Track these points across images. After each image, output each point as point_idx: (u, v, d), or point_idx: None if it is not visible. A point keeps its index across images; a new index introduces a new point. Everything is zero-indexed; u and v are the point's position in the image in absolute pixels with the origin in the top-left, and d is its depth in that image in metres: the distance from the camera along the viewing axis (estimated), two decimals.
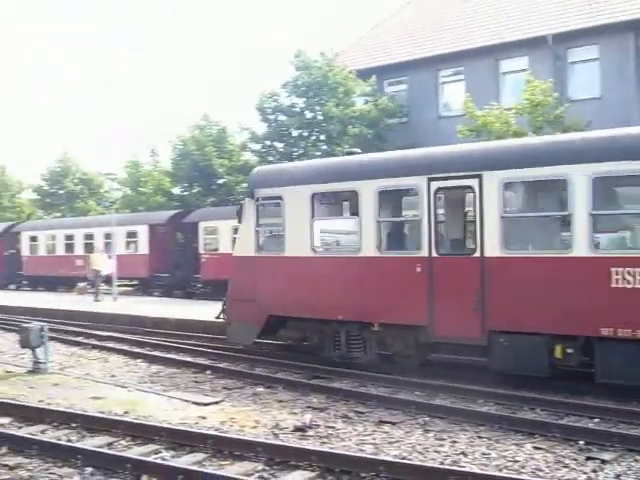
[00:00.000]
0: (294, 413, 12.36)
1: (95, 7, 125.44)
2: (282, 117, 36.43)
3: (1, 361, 18.17)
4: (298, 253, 16.44)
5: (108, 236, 37.45)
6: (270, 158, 36.01)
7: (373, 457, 9.43)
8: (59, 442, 10.37)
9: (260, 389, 14.66)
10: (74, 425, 11.28)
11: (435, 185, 14.52)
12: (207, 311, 21.92)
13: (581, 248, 12.68)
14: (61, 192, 58.07)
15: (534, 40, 31.35)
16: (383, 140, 33.86)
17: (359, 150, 20.41)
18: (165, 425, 11.03)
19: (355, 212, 15.97)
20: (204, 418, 11.89)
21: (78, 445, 10.26)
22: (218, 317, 18.56)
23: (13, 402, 12.74)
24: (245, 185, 27.48)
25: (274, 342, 18.79)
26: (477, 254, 13.89)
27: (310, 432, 11.03)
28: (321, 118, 35.02)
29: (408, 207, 16.07)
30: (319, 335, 16.60)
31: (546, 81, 26.84)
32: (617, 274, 12.23)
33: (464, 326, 13.87)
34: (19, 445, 10.28)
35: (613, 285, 12.27)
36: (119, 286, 34.67)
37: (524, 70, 29.62)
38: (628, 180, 12.96)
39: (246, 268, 17.29)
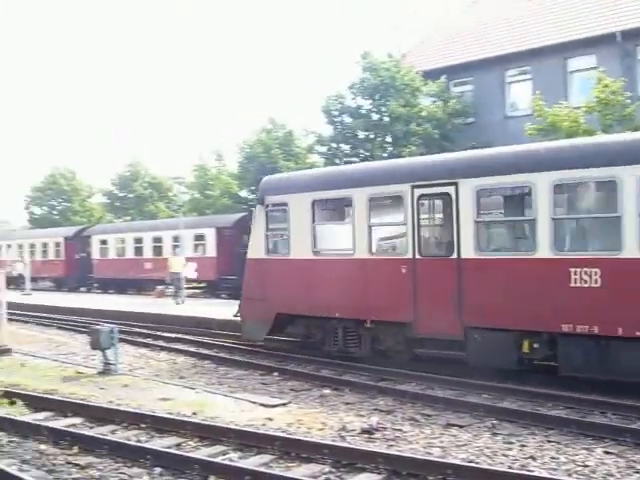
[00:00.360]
0: (361, 415, 12.36)
1: (160, 7, 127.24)
2: (348, 119, 36.27)
3: (73, 362, 18.56)
4: (301, 255, 17.83)
5: (176, 239, 37.99)
6: (337, 160, 35.90)
7: (440, 460, 9.38)
8: (128, 442, 10.52)
9: (327, 391, 14.70)
10: (143, 426, 11.44)
11: (418, 192, 15.63)
12: None
13: (544, 250, 13.57)
14: (130, 196, 59.09)
15: (602, 37, 30.65)
16: (450, 141, 33.60)
17: (357, 161, 21.30)
18: (232, 426, 11.11)
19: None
20: (271, 420, 11.94)
21: (147, 445, 10.40)
22: (235, 315, 19.74)
23: (84, 403, 12.98)
24: None
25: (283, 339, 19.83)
26: (454, 256, 14.86)
27: (377, 434, 11.03)
28: (387, 120, 34.82)
29: (395, 212, 16.76)
30: (321, 331, 17.79)
31: (617, 80, 26.28)
32: (575, 274, 13.08)
33: (444, 323, 14.89)
34: (90, 445, 10.46)
35: (572, 285, 13.12)
36: (187, 288, 34.99)
37: (592, 68, 29.01)
38: (584, 187, 13.95)
39: (257, 270, 18.80)
